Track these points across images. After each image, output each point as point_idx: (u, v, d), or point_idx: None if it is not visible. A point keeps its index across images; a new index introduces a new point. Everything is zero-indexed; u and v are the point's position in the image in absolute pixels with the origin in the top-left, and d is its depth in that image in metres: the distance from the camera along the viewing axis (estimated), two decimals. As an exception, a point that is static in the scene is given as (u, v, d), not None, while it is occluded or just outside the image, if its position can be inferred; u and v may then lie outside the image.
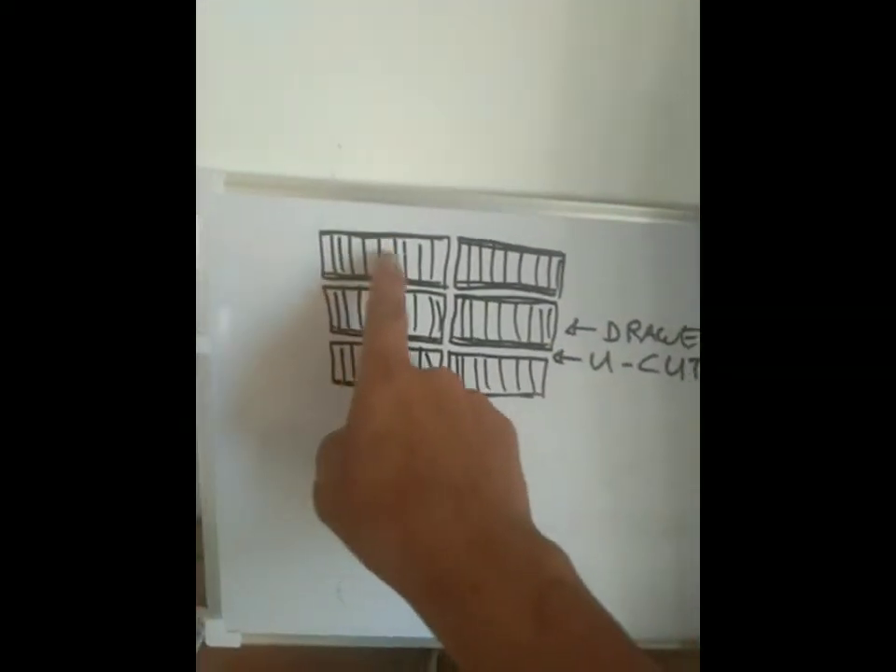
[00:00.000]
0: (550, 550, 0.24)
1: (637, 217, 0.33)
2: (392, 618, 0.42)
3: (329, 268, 0.33)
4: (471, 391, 0.29)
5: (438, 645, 0.44)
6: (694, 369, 0.36)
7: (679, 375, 0.36)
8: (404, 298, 0.31)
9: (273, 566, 0.41)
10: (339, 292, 0.33)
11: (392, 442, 0.25)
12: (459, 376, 0.28)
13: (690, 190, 0.33)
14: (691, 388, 0.36)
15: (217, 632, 0.41)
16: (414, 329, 0.34)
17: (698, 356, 0.36)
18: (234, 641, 0.42)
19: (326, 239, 0.32)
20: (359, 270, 0.33)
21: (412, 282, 0.33)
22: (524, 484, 0.27)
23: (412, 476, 0.24)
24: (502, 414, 0.29)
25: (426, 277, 0.33)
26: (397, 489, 0.24)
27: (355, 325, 0.34)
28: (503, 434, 0.28)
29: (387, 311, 0.29)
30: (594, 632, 0.22)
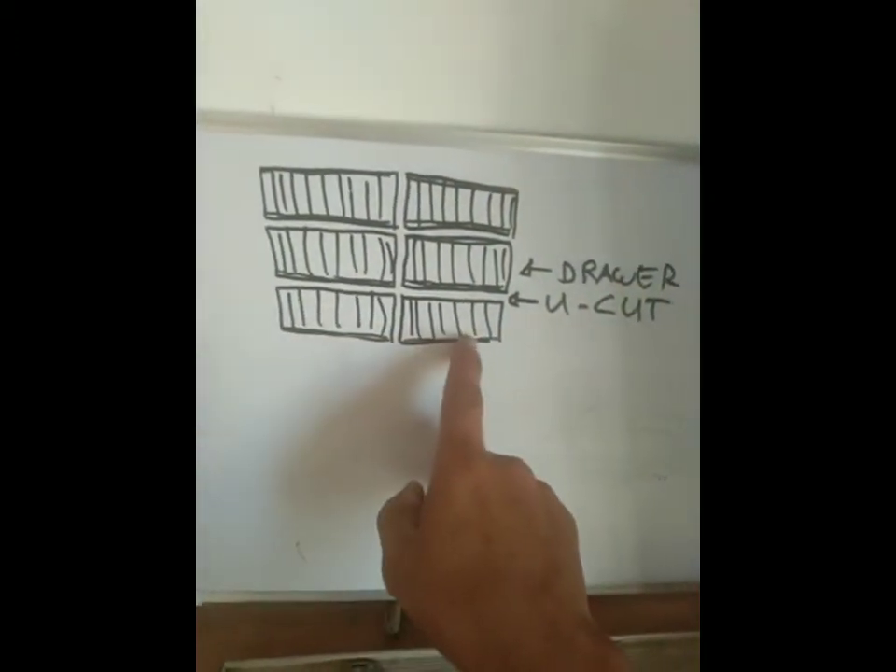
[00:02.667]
0: (613, 650, 0.24)
1: (590, 151, 0.32)
2: (353, 571, 0.42)
3: (271, 207, 0.31)
4: (542, 483, 0.29)
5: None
6: (651, 310, 0.35)
7: (636, 316, 0.35)
8: (479, 384, 0.32)
9: (232, 522, 0.40)
10: (283, 233, 0.32)
11: (470, 532, 0.26)
12: (530, 468, 0.29)
13: (646, 124, 0.33)
14: (648, 330, 0.36)
15: (173, 591, 0.41)
16: (365, 272, 0.33)
17: (655, 296, 0.35)
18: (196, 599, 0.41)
19: (267, 176, 0.30)
20: (303, 209, 0.31)
21: (359, 221, 0.32)
22: (583, 581, 0.27)
23: (488, 566, 0.25)
24: (566, 509, 0.29)
25: (374, 216, 0.32)
26: (474, 577, 0.25)
27: (301, 268, 0.33)
28: (570, 529, 0.29)
29: (466, 398, 0.30)
30: None
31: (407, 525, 0.28)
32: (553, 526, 0.27)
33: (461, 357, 0.33)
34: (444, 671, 0.41)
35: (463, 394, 0.30)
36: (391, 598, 0.44)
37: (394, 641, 0.42)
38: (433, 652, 0.41)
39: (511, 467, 0.28)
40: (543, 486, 0.29)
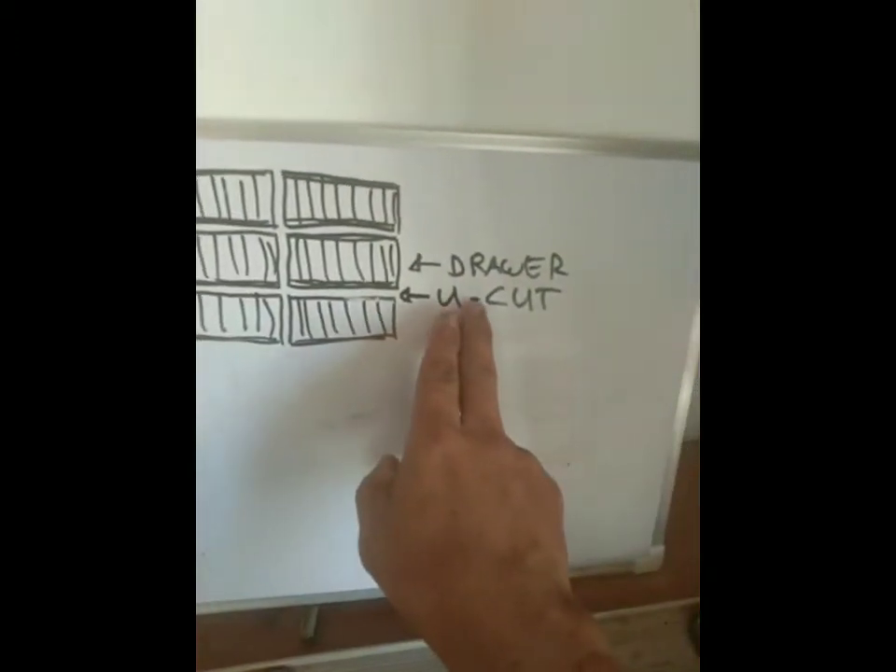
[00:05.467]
0: (586, 622, 0.23)
1: (470, 144, 0.32)
2: (264, 577, 0.41)
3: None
4: (522, 454, 0.29)
5: (318, 601, 0.43)
6: (542, 299, 0.36)
7: (527, 306, 0.36)
8: (456, 363, 0.31)
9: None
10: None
11: (436, 505, 0.26)
12: (510, 440, 0.29)
13: (525, 114, 0.33)
14: (540, 319, 0.36)
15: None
16: (247, 273, 0.32)
17: (544, 286, 0.36)
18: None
19: (134, 178, 0.29)
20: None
21: (236, 222, 0.31)
22: (565, 551, 0.27)
23: (453, 540, 0.25)
24: (550, 478, 0.29)
25: (251, 216, 0.31)
26: (437, 552, 0.25)
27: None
28: (551, 500, 0.29)
29: (439, 374, 0.30)
30: None
31: (381, 502, 0.28)
32: (530, 498, 0.27)
33: (438, 334, 0.33)
34: (359, 672, 0.41)
35: (437, 370, 0.30)
36: (307, 602, 0.43)
37: (310, 646, 0.42)
38: (349, 654, 0.41)
39: (485, 439, 0.28)
40: (523, 457, 0.29)
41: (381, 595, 0.44)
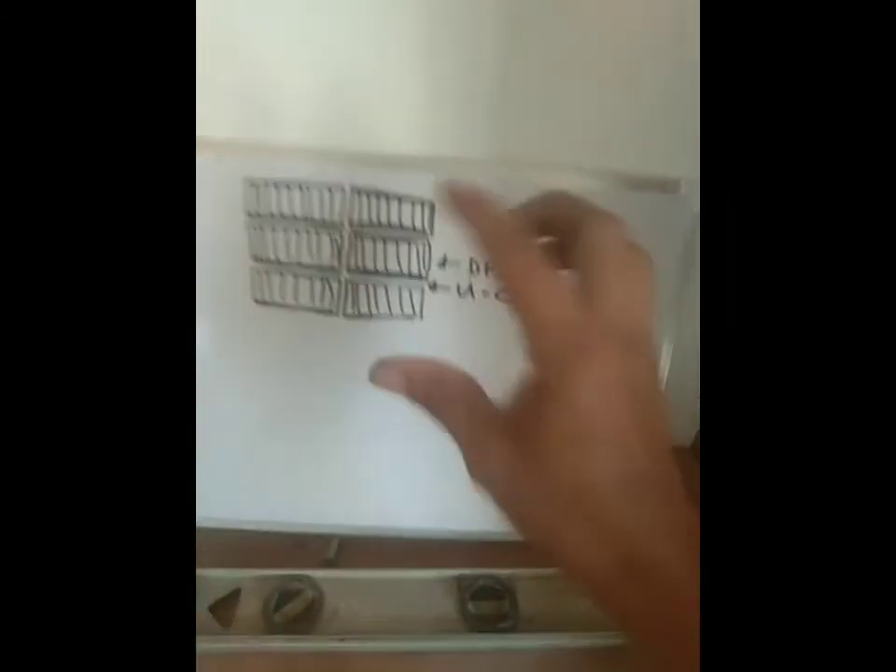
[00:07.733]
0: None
1: (490, 177, 0.43)
2: (296, 505, 0.51)
3: (251, 208, 0.41)
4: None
5: (338, 531, 0.53)
6: (537, 298, 0.46)
7: (525, 303, 0.46)
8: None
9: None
10: (258, 228, 0.42)
11: (594, 444, 0.22)
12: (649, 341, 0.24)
13: (541, 151, 0.43)
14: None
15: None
16: (318, 259, 0.43)
17: (540, 288, 0.46)
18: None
19: (250, 185, 0.41)
20: (275, 210, 0.41)
21: (314, 222, 0.42)
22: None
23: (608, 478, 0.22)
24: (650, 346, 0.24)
25: (327, 218, 0.42)
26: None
27: (271, 254, 0.43)
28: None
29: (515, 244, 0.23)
30: None
31: (499, 435, 0.24)
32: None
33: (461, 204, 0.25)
34: (370, 592, 0.50)
35: (510, 244, 0.23)
36: (329, 532, 0.53)
37: (330, 564, 0.52)
38: (362, 574, 0.51)
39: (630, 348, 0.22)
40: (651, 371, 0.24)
41: (396, 533, 0.53)
